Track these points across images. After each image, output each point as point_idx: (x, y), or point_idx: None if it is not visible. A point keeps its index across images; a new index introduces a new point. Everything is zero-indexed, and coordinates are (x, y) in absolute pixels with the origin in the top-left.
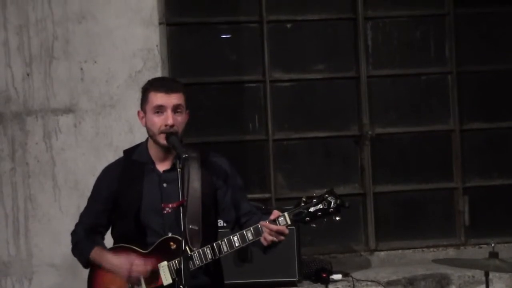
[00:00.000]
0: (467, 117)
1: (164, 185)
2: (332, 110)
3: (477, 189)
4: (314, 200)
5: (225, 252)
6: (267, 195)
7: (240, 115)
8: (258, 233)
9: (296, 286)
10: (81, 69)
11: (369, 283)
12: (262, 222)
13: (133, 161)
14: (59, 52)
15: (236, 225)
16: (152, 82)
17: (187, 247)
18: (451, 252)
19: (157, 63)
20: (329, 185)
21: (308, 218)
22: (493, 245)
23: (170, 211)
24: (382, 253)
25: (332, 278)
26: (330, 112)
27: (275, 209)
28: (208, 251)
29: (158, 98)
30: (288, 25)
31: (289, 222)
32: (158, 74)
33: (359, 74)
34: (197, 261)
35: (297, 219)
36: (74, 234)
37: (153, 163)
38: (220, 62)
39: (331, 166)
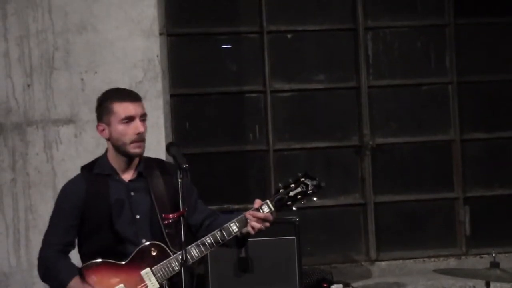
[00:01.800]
0: (467, 127)
1: (132, 193)
2: (333, 120)
3: (477, 199)
4: (292, 185)
5: (211, 249)
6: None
7: (241, 125)
8: (242, 224)
9: None
10: (82, 79)
11: None
12: (247, 212)
13: (95, 175)
14: (60, 63)
15: (200, 228)
16: (111, 94)
17: (186, 254)
18: (452, 262)
19: (158, 74)
20: (330, 195)
21: (289, 202)
22: (494, 255)
23: (170, 222)
24: (383, 263)
25: None
26: (331, 122)
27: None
28: (194, 250)
29: (126, 108)
30: (289, 36)
31: (272, 208)
32: (159, 84)
33: (360, 84)
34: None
35: (279, 204)
36: (43, 259)
37: (117, 174)
38: (220, 72)
39: (332, 176)
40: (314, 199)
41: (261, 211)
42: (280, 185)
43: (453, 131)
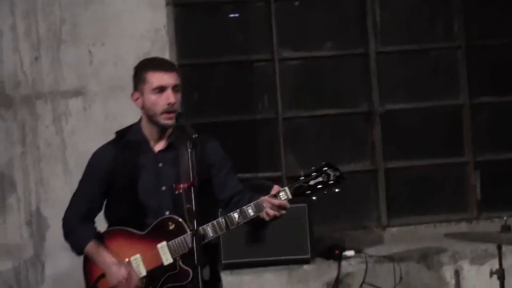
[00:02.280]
0: (477, 91)
1: (160, 164)
2: (341, 87)
3: (488, 163)
4: (314, 174)
5: (226, 230)
6: (278, 174)
7: (249, 94)
8: (259, 208)
9: (308, 263)
10: (90, 52)
11: (382, 259)
12: (263, 197)
13: (127, 142)
14: (67, 36)
15: (230, 204)
16: (146, 63)
17: (191, 226)
18: (463, 227)
19: (165, 44)
20: (340, 162)
21: (308, 192)
22: (505, 218)
23: (181, 192)
24: (394, 229)
25: (345, 255)
26: (340, 90)
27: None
28: (209, 229)
29: (158, 78)
30: (296, 3)
31: (290, 196)
32: (166, 55)
33: (368, 51)
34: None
35: (297, 193)
36: (66, 221)
37: (147, 143)
38: (228, 42)
39: (342, 143)
40: (336, 190)
41: (278, 197)
42: (302, 172)
43: (463, 96)
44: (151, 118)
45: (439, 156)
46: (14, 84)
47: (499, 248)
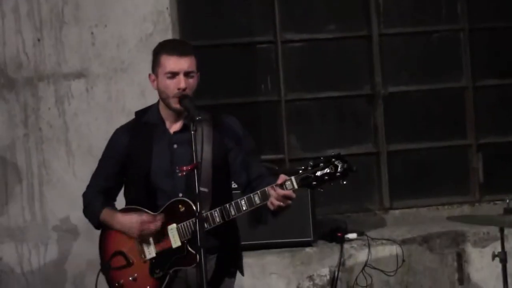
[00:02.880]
0: (479, 74)
1: (175, 146)
2: (344, 69)
3: (491, 146)
4: (321, 164)
5: (233, 216)
6: (280, 156)
7: (252, 76)
8: (265, 197)
9: (311, 246)
10: (92, 33)
11: (384, 241)
12: (269, 187)
13: (143, 123)
14: (69, 17)
15: (248, 188)
16: (163, 45)
17: (201, 208)
18: (465, 209)
19: (168, 26)
20: (343, 144)
21: (315, 183)
22: (508, 201)
23: (184, 174)
24: (397, 211)
25: (347, 237)
26: (342, 72)
27: (285, 170)
28: (216, 214)
29: (170, 62)
30: None
31: (296, 187)
32: (169, 37)
33: (371, 33)
34: (205, 224)
35: (304, 184)
36: (85, 195)
37: (164, 124)
38: (231, 23)
39: (344, 126)
40: (344, 182)
41: (284, 187)
42: (310, 163)
43: (465, 78)
44: (164, 101)
45: (441, 139)
46: (17, 66)
47: (502, 230)
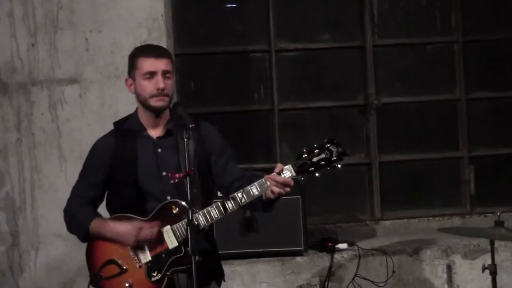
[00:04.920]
0: (473, 86)
1: (159, 150)
2: (338, 79)
3: (482, 158)
4: (316, 151)
5: (230, 210)
6: (273, 165)
7: (246, 85)
8: (263, 187)
9: (301, 255)
10: (86, 39)
11: (374, 252)
12: (267, 175)
13: (125, 130)
14: (64, 22)
15: (230, 190)
16: (139, 49)
17: (192, 215)
18: (456, 221)
19: (162, 33)
20: None
21: (312, 168)
22: (498, 214)
23: (176, 181)
24: (388, 222)
25: (338, 247)
26: (336, 82)
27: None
28: (213, 211)
29: (148, 63)
30: None
31: (294, 174)
32: (163, 44)
33: (365, 43)
34: (202, 222)
35: (301, 170)
36: (68, 209)
37: (145, 130)
38: (225, 32)
39: (337, 135)
40: (338, 166)
41: (282, 175)
42: (304, 150)
43: (459, 90)
44: (143, 104)
45: (433, 150)
46: (10, 71)
47: (492, 243)
